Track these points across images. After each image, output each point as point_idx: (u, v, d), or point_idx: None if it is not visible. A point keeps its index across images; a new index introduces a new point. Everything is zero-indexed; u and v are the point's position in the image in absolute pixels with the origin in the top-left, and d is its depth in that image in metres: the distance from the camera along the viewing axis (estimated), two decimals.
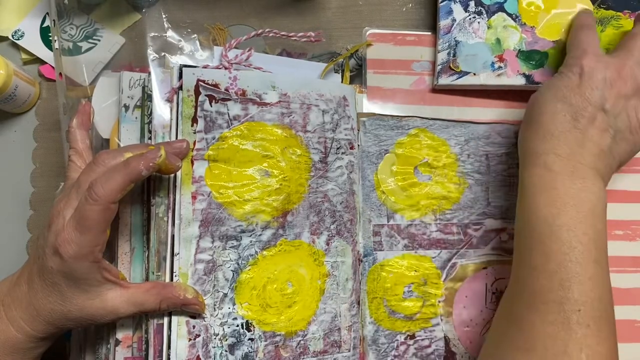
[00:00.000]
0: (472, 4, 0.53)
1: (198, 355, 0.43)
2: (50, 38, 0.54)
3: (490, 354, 0.42)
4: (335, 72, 0.54)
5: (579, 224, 0.40)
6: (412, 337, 0.51)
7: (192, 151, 0.45)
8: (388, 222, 0.52)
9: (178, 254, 0.43)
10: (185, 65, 0.46)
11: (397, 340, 0.50)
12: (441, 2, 0.53)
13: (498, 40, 0.53)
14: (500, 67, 0.53)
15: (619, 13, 0.54)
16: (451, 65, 0.53)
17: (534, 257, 0.41)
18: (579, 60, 0.45)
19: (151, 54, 0.48)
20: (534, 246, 0.41)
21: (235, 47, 0.49)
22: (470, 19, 0.53)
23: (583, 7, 0.54)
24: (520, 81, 0.53)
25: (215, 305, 0.44)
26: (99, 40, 0.55)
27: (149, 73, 0.46)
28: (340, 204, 0.50)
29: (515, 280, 0.43)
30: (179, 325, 0.43)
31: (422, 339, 0.51)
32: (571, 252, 0.39)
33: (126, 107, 0.46)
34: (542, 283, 0.40)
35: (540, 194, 0.42)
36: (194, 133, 0.45)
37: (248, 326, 0.45)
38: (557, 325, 0.38)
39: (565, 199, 0.41)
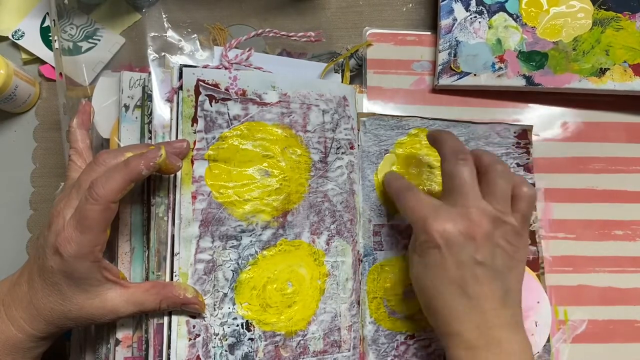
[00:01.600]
0: (473, 3, 0.53)
1: (198, 355, 0.43)
2: (50, 38, 0.54)
3: None
4: (335, 72, 0.54)
5: None
6: (412, 337, 0.51)
7: (192, 151, 0.45)
8: (388, 222, 0.52)
9: (178, 253, 0.43)
10: (186, 65, 0.46)
11: (397, 340, 0.50)
12: (442, 1, 0.53)
13: (499, 41, 0.53)
14: (500, 68, 0.53)
15: (619, 14, 0.54)
16: (452, 66, 0.53)
17: None
18: (426, 232, 0.41)
19: (151, 54, 0.48)
20: None
21: (236, 47, 0.49)
22: (471, 18, 0.53)
23: (582, 5, 0.54)
24: (520, 82, 0.53)
25: (215, 305, 0.44)
26: (99, 40, 0.55)
27: (149, 73, 0.46)
28: (341, 203, 0.50)
29: None
30: (179, 325, 0.42)
31: (422, 339, 0.51)
32: None
33: (126, 107, 0.46)
34: None
35: None
36: (194, 133, 0.45)
37: (248, 326, 0.45)
38: None
39: None
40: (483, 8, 0.53)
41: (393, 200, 0.47)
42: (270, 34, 0.51)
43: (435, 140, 0.47)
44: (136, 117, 0.46)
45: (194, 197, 0.44)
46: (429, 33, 0.56)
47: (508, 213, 0.42)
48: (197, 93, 0.45)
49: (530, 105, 0.56)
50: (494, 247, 0.41)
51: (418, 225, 0.42)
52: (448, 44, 0.53)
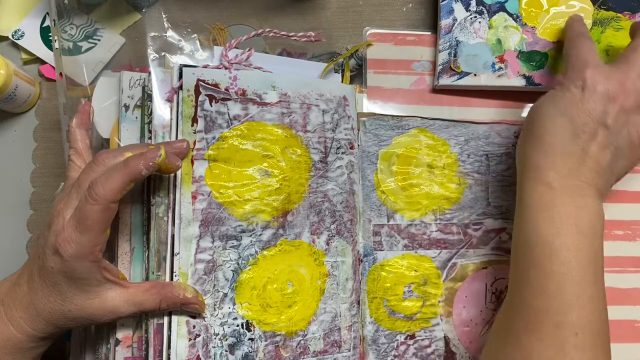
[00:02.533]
0: (473, 3, 0.53)
1: (198, 355, 0.43)
2: (50, 38, 0.54)
3: None
4: (335, 72, 0.54)
5: (578, 244, 0.40)
6: (412, 337, 0.51)
7: (192, 151, 0.45)
8: (388, 222, 0.52)
9: (178, 253, 0.43)
10: (186, 65, 0.46)
11: (397, 340, 0.50)
12: (442, 1, 0.53)
13: (499, 41, 0.53)
14: (500, 68, 0.53)
15: (619, 14, 0.54)
16: (452, 66, 0.53)
17: (532, 277, 0.40)
18: (580, 73, 0.43)
19: (151, 54, 0.48)
20: (533, 265, 0.40)
21: (236, 47, 0.49)
22: (471, 18, 0.53)
23: (582, 6, 0.54)
24: (520, 82, 0.53)
25: (215, 305, 0.44)
26: (99, 40, 0.55)
27: (149, 73, 0.46)
28: (340, 203, 0.50)
29: (513, 297, 0.42)
30: (179, 325, 0.42)
31: (422, 339, 0.51)
32: (570, 272, 0.39)
33: (126, 107, 0.46)
34: (540, 304, 0.39)
35: (539, 212, 0.41)
36: (194, 133, 0.45)
37: (248, 326, 0.45)
38: (555, 349, 0.38)
39: (565, 218, 0.40)
40: (483, 8, 0.53)
41: (565, 36, 0.49)
42: (270, 34, 0.51)
43: (638, 27, 0.48)
44: (136, 117, 0.46)
45: (194, 197, 0.44)
46: (429, 33, 0.56)
47: None
48: (197, 93, 0.45)
49: (531, 105, 0.55)
50: (624, 124, 0.43)
51: (576, 66, 0.44)
52: (448, 44, 0.53)
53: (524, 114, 0.56)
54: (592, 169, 0.42)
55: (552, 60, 0.53)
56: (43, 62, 0.57)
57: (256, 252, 0.46)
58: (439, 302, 0.51)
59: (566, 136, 0.42)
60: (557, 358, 0.38)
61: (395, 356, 0.50)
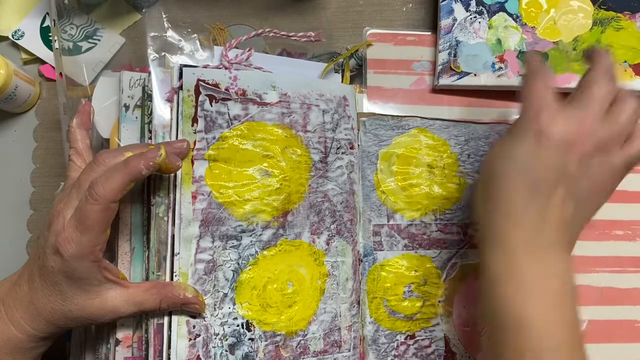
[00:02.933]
0: (473, 3, 0.53)
1: (198, 355, 0.43)
2: (50, 38, 0.54)
3: None
4: (335, 72, 0.54)
5: (548, 312, 0.37)
6: (412, 337, 0.51)
7: (193, 151, 0.45)
8: (388, 222, 0.52)
9: (178, 253, 0.43)
10: (186, 65, 0.46)
11: (397, 340, 0.50)
12: (442, 1, 0.53)
13: (499, 41, 0.53)
14: (500, 68, 0.53)
15: (619, 14, 0.54)
16: (452, 66, 0.53)
17: (507, 352, 0.38)
18: (535, 118, 0.39)
19: (151, 54, 0.48)
20: (505, 340, 0.38)
21: (236, 47, 0.49)
22: (471, 18, 0.53)
23: (582, 6, 0.54)
24: (520, 82, 0.53)
25: (215, 305, 0.44)
26: (99, 40, 0.55)
27: (149, 73, 0.46)
28: (341, 203, 0.50)
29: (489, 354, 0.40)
30: (179, 325, 0.42)
31: (422, 339, 0.51)
32: (544, 344, 0.37)
33: (126, 107, 0.46)
34: None
35: (504, 283, 0.38)
36: (194, 133, 0.45)
37: (248, 326, 0.45)
38: None
39: (532, 287, 0.38)
40: (483, 8, 0.53)
41: (524, 74, 0.44)
42: (270, 34, 0.51)
43: (594, 52, 0.43)
44: (136, 117, 0.46)
45: (194, 197, 0.44)
46: (429, 33, 0.56)
47: (617, 148, 0.40)
48: (197, 93, 0.45)
49: None
50: (586, 170, 0.39)
51: (532, 108, 0.40)
52: (448, 44, 0.53)
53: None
54: (556, 227, 0.39)
55: (553, 60, 0.53)
56: (43, 62, 0.57)
57: (256, 252, 0.46)
58: (439, 302, 0.51)
59: (525, 194, 0.39)
60: None
61: (395, 356, 0.50)
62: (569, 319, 0.38)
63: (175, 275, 0.43)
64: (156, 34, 0.50)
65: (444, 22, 0.53)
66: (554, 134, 0.38)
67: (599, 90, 0.40)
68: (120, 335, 0.43)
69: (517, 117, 0.41)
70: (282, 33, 0.52)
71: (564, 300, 0.38)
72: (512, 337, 0.37)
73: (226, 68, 0.47)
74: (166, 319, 0.42)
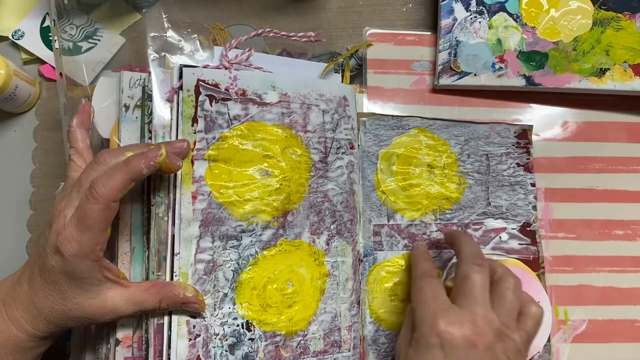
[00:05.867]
0: (473, 3, 0.53)
1: (198, 355, 0.43)
2: (50, 38, 0.54)
3: None
4: (335, 72, 0.54)
5: None
6: None
7: (193, 151, 0.45)
8: (388, 222, 0.52)
9: (178, 253, 0.43)
10: (186, 65, 0.46)
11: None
12: (442, 1, 0.53)
13: (499, 41, 0.53)
14: (501, 68, 0.53)
15: (619, 14, 0.54)
16: (452, 66, 0.53)
17: None
18: (433, 327, 0.40)
19: (151, 54, 0.48)
20: None
21: (236, 47, 0.49)
22: (471, 18, 0.53)
23: (582, 6, 0.54)
24: (520, 82, 0.53)
25: (215, 305, 0.44)
26: (99, 40, 0.55)
27: (149, 73, 0.46)
28: (341, 203, 0.50)
29: None
30: (179, 325, 0.42)
31: None
32: None
33: (126, 107, 0.46)
34: None
35: None
36: (194, 133, 0.45)
37: (248, 326, 0.45)
38: None
39: None
40: (483, 8, 0.53)
41: (411, 276, 0.46)
42: (270, 34, 0.51)
43: (453, 239, 0.47)
44: (136, 117, 0.46)
45: (194, 197, 0.44)
46: (429, 33, 0.56)
47: (513, 328, 0.41)
48: (197, 93, 0.45)
49: (530, 105, 0.56)
50: (493, 356, 0.40)
51: (425, 319, 0.41)
52: (448, 44, 0.53)
53: (524, 114, 0.56)
54: None
55: (553, 60, 0.53)
56: (43, 62, 0.57)
57: (256, 252, 0.46)
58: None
59: None
60: None
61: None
62: None
63: (175, 275, 0.43)
64: (156, 34, 0.50)
65: (444, 22, 0.53)
66: (455, 339, 0.39)
67: (476, 281, 0.42)
68: (120, 335, 0.43)
69: (411, 323, 0.42)
70: (282, 33, 0.52)
71: None
72: None
73: (226, 68, 0.47)
74: (166, 319, 0.42)
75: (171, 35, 0.50)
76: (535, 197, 0.54)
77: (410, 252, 0.50)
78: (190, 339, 0.43)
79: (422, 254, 0.49)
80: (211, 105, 0.46)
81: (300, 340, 0.46)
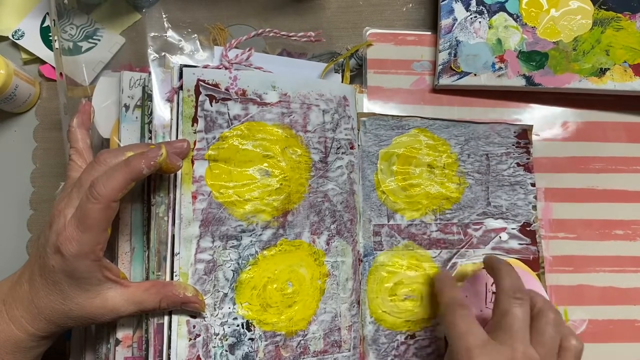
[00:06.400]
0: (473, 3, 0.53)
1: (198, 355, 0.43)
2: (51, 38, 0.54)
3: None
4: (335, 72, 0.54)
5: None
6: (412, 337, 0.51)
7: (193, 151, 0.45)
8: (388, 222, 0.52)
9: (178, 253, 0.43)
10: (186, 65, 0.46)
11: (397, 340, 0.50)
12: (442, 1, 0.53)
13: (499, 41, 0.53)
14: (501, 68, 0.53)
15: (619, 14, 0.54)
16: (452, 66, 0.53)
17: None
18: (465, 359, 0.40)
19: (151, 54, 0.48)
20: None
21: (236, 47, 0.49)
22: (471, 18, 0.53)
23: (583, 6, 0.54)
24: (520, 82, 0.53)
25: (215, 305, 0.44)
26: (99, 40, 0.55)
27: (149, 73, 0.46)
28: (341, 203, 0.50)
29: None
30: (179, 325, 0.42)
31: (422, 339, 0.51)
32: None
33: (126, 107, 0.46)
34: None
35: None
36: (195, 133, 0.45)
37: (248, 326, 0.45)
38: None
39: None
40: (483, 8, 0.53)
41: (439, 303, 0.46)
42: (270, 34, 0.51)
43: (493, 269, 0.45)
44: (136, 117, 0.46)
45: (194, 197, 0.44)
46: (429, 33, 0.56)
47: None
48: (198, 93, 0.45)
49: (530, 105, 0.56)
50: None
51: (460, 354, 0.41)
52: (448, 43, 0.53)
53: (524, 114, 0.56)
54: None
55: (553, 60, 0.53)
56: (43, 62, 0.57)
57: (256, 252, 0.46)
58: (440, 302, 0.51)
59: None
60: None
61: (395, 356, 0.50)
62: None
63: (175, 275, 0.43)
64: (156, 34, 0.50)
65: (444, 22, 0.53)
66: None
67: (517, 316, 0.41)
68: (120, 335, 0.43)
69: (448, 349, 0.42)
70: (282, 33, 0.52)
71: None
72: None
73: (226, 68, 0.47)
74: (166, 318, 0.42)
75: (171, 35, 0.50)
76: (535, 197, 0.54)
77: (435, 279, 0.49)
78: (190, 339, 0.43)
79: (448, 280, 0.47)
80: (211, 105, 0.46)
81: (300, 340, 0.46)
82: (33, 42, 0.56)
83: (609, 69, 0.53)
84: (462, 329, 0.42)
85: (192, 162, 0.44)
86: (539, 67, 0.53)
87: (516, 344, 0.40)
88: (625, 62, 0.53)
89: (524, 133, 0.54)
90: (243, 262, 0.45)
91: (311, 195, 0.48)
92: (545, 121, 0.56)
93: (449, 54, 0.53)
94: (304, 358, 0.46)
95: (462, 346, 0.41)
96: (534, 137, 0.55)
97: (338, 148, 0.50)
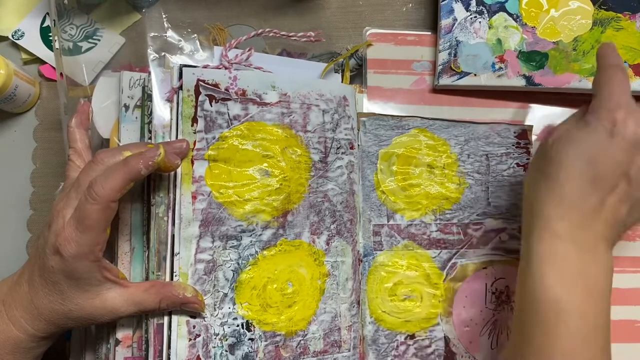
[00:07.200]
0: (473, 3, 0.53)
1: (198, 355, 0.43)
2: (51, 38, 0.54)
3: None
4: (335, 72, 0.54)
5: (587, 305, 0.37)
6: (412, 337, 0.51)
7: (192, 151, 0.45)
8: (388, 222, 0.52)
9: (178, 253, 0.43)
10: (185, 65, 0.46)
11: (397, 340, 0.50)
12: (442, 1, 0.53)
13: (499, 41, 0.53)
14: (501, 68, 0.53)
15: (619, 14, 0.54)
16: (452, 66, 0.53)
17: (538, 337, 0.37)
18: (611, 113, 0.39)
19: (151, 54, 0.48)
20: (539, 325, 0.37)
21: (236, 47, 0.49)
22: (471, 18, 0.53)
23: (582, 6, 0.54)
24: (520, 82, 0.53)
25: (215, 305, 0.44)
26: (99, 40, 0.55)
27: (149, 73, 0.46)
28: (340, 203, 0.50)
29: (516, 353, 0.40)
30: (179, 325, 0.42)
31: (422, 339, 0.51)
32: (578, 335, 0.36)
33: (126, 107, 0.46)
34: None
35: (546, 264, 0.38)
36: (194, 133, 0.45)
37: (248, 326, 0.45)
38: None
39: (574, 273, 0.38)
40: (483, 8, 0.53)
41: (597, 65, 0.42)
42: (270, 34, 0.51)
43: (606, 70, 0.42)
44: (136, 117, 0.46)
45: (194, 197, 0.44)
46: (429, 33, 0.56)
47: None
48: (197, 93, 0.45)
49: (530, 105, 0.56)
50: None
51: (607, 105, 0.39)
52: (448, 44, 0.53)
53: (524, 114, 0.56)
54: (607, 222, 0.39)
55: (553, 60, 0.53)
56: (43, 62, 0.57)
57: (256, 252, 0.46)
58: (439, 302, 0.51)
59: (585, 184, 0.38)
60: None
61: (395, 356, 0.50)
62: (603, 317, 0.38)
63: (175, 275, 0.43)
64: (156, 34, 0.50)
65: (444, 22, 0.53)
66: (628, 132, 0.38)
67: None
68: (120, 335, 0.43)
69: (592, 104, 0.40)
70: (282, 33, 0.52)
71: (603, 294, 0.38)
72: (545, 319, 0.37)
73: (226, 68, 0.47)
74: (166, 319, 0.42)
75: (171, 35, 0.50)
76: None
77: (599, 47, 0.44)
78: (190, 339, 0.43)
79: (614, 49, 0.43)
80: (211, 105, 0.46)
81: (300, 340, 0.46)
82: (33, 42, 0.56)
83: None
84: (616, 86, 0.40)
85: (192, 162, 0.44)
86: (539, 67, 0.53)
87: None
88: (625, 62, 0.53)
89: (524, 133, 0.54)
90: (243, 262, 0.45)
91: (311, 195, 0.48)
92: (545, 121, 0.56)
93: (449, 54, 0.53)
94: (303, 358, 0.46)
95: (612, 99, 0.39)
96: (534, 137, 0.55)
97: (338, 148, 0.50)
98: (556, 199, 0.39)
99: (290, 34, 0.52)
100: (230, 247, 0.45)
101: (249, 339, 0.45)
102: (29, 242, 0.55)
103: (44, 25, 0.57)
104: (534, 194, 0.41)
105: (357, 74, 0.55)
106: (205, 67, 0.47)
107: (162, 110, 0.45)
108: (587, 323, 0.37)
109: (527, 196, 0.42)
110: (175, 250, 0.43)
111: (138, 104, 0.46)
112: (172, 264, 0.43)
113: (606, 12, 0.54)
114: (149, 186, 0.44)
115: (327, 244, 0.48)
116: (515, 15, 0.53)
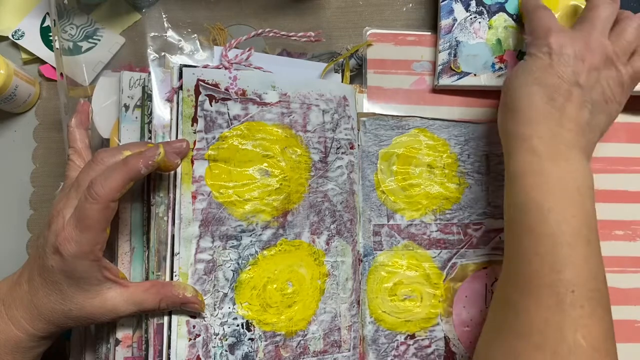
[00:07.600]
0: (473, 3, 0.53)
1: (198, 355, 0.43)
2: (51, 38, 0.54)
3: (487, 342, 0.42)
4: (335, 72, 0.54)
5: (567, 206, 0.40)
6: (412, 337, 0.51)
7: (192, 151, 0.45)
8: (388, 222, 0.52)
9: (178, 253, 0.43)
10: (185, 65, 0.46)
11: (397, 340, 0.50)
12: (442, 1, 0.53)
13: (499, 41, 0.53)
14: (500, 68, 0.53)
15: None
16: (452, 66, 0.53)
17: (524, 243, 0.41)
18: (545, 39, 0.44)
19: (151, 54, 0.48)
20: (524, 232, 0.41)
21: (236, 47, 0.49)
22: (471, 18, 0.53)
23: (582, 6, 0.54)
24: None
25: (215, 305, 0.44)
26: (99, 40, 0.55)
27: (149, 73, 0.46)
28: (340, 203, 0.50)
29: (508, 267, 0.43)
30: (179, 325, 0.42)
31: (422, 339, 0.51)
32: (561, 234, 0.39)
33: (126, 107, 0.46)
34: (534, 268, 0.40)
35: (526, 179, 0.42)
36: (194, 133, 0.45)
37: (248, 326, 0.45)
38: (552, 309, 0.38)
39: (552, 182, 0.41)
40: (483, 8, 0.53)
41: (524, 12, 0.50)
42: (270, 34, 0.51)
43: None
44: (136, 117, 0.46)
45: (194, 197, 0.44)
46: (429, 33, 0.56)
47: (623, 62, 0.44)
48: (197, 93, 0.45)
49: None
50: (596, 81, 0.43)
51: (540, 34, 0.45)
52: (448, 44, 0.53)
53: None
54: (572, 130, 0.42)
55: None
56: (43, 62, 0.57)
57: (256, 252, 0.46)
58: (439, 302, 0.51)
59: (542, 101, 0.43)
60: (554, 317, 0.38)
61: (395, 356, 0.50)
62: (585, 216, 0.40)
63: (175, 275, 0.43)
64: (156, 34, 0.50)
65: (444, 22, 0.53)
66: (563, 50, 0.43)
67: (603, 12, 0.45)
68: (120, 335, 0.43)
69: (527, 40, 0.47)
70: (282, 33, 0.52)
71: (582, 199, 0.41)
72: (530, 229, 0.41)
73: (226, 68, 0.47)
74: (166, 319, 0.43)
75: (171, 35, 0.50)
76: None
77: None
78: (190, 339, 0.43)
79: None
80: (211, 105, 0.46)
81: (300, 340, 0.46)
82: (33, 42, 0.56)
83: None
84: (544, 19, 0.46)
85: (192, 162, 0.44)
86: None
87: (593, 32, 0.44)
88: None
89: None
90: (243, 262, 0.45)
91: (311, 195, 0.48)
92: None
93: (449, 54, 0.53)
94: (303, 358, 0.46)
95: (543, 27, 0.45)
96: None
97: (338, 148, 0.50)
98: (523, 122, 0.43)
99: (290, 34, 0.52)
100: (230, 247, 0.45)
101: (249, 339, 0.45)
102: (29, 242, 0.55)
103: (44, 25, 0.57)
104: (505, 125, 0.45)
105: (357, 74, 0.55)
106: (205, 67, 0.47)
107: (162, 110, 0.45)
108: (568, 221, 0.40)
109: (501, 128, 0.46)
110: (175, 250, 0.43)
111: (138, 104, 0.46)
112: (172, 264, 0.43)
113: None
114: (149, 186, 0.44)
115: (327, 244, 0.49)
116: (515, 16, 0.53)
